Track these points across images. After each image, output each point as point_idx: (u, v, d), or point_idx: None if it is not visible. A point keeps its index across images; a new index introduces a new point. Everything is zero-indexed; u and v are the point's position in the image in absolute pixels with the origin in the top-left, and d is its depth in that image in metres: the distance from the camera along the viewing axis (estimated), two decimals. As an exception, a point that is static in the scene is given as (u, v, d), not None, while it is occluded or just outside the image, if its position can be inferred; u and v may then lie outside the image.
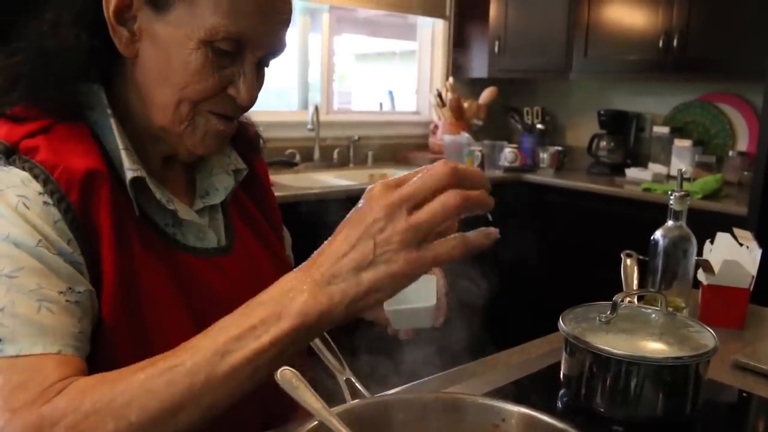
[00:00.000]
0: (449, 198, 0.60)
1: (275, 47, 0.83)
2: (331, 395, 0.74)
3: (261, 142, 1.08)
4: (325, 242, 0.64)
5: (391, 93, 4.45)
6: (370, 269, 0.60)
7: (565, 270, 3.41)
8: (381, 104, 4.37)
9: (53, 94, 0.79)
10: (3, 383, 0.64)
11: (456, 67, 4.25)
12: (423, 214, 0.60)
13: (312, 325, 0.61)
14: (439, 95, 4.01)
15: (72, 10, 0.80)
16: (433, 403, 0.72)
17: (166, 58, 0.79)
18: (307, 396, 0.67)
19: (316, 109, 3.48)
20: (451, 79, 4.16)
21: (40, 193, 0.72)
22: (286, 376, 0.69)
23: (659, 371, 0.86)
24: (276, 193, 2.87)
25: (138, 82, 0.82)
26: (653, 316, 0.98)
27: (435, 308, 0.76)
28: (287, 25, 0.84)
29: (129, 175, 0.79)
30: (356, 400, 0.72)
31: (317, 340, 0.81)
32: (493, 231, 0.65)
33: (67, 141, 0.77)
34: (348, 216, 0.63)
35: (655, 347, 0.90)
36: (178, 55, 0.78)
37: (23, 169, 0.73)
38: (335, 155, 3.64)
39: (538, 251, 3.52)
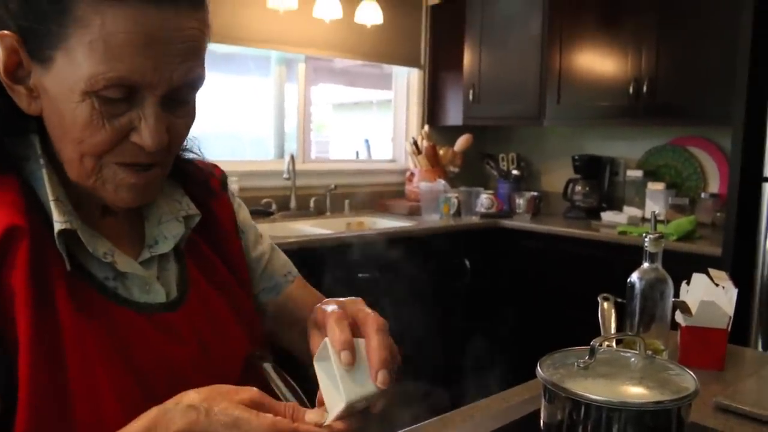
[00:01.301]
0: None
1: (178, 82, 0.75)
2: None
3: (225, 183, 1.05)
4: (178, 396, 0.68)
5: (367, 141, 4.48)
6: None
7: (543, 314, 3.41)
8: (357, 153, 4.39)
9: None
10: None
11: (431, 115, 4.30)
12: None
13: None
14: (415, 143, 4.04)
15: None
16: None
17: (59, 113, 0.74)
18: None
19: (292, 158, 3.49)
20: (426, 127, 4.20)
21: None
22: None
23: (640, 416, 0.84)
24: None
25: (52, 137, 0.78)
26: (632, 360, 0.96)
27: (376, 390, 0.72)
28: (192, 53, 0.75)
29: (57, 227, 0.75)
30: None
31: (283, 387, 0.78)
32: None
33: None
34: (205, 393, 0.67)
35: (635, 392, 0.88)
36: (67, 110, 0.73)
37: None
38: (312, 204, 3.63)
39: (515, 296, 3.52)
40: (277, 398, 0.76)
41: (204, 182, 0.98)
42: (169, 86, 0.74)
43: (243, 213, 1.07)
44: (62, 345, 0.72)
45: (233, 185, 3.28)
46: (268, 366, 0.80)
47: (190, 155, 0.97)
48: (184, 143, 0.88)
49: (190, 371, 0.82)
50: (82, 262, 0.79)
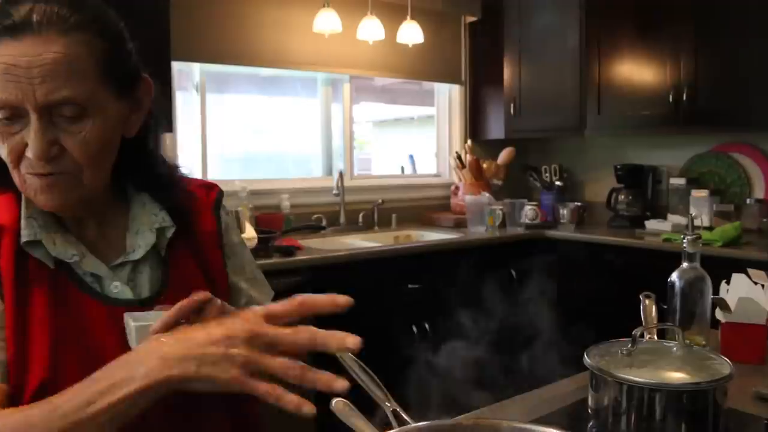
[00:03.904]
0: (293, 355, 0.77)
1: (44, 100, 0.84)
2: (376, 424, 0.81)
3: (219, 202, 1.13)
4: (196, 325, 0.81)
5: (411, 157, 4.59)
6: (208, 367, 0.76)
7: (587, 322, 3.44)
8: (402, 168, 4.50)
9: None
10: None
11: (474, 129, 4.40)
12: (268, 361, 0.76)
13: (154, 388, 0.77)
14: (459, 157, 4.14)
15: None
16: (472, 428, 0.79)
17: None
18: (359, 423, 0.75)
19: (341, 174, 3.62)
20: (469, 142, 4.30)
21: None
22: (339, 406, 0.77)
23: (678, 397, 0.92)
24: (305, 257, 2.95)
25: None
26: (673, 349, 1.05)
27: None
28: (54, 75, 0.84)
29: (22, 239, 0.92)
30: (401, 427, 0.79)
31: (360, 373, 0.88)
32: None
33: None
34: (222, 318, 0.81)
35: (674, 376, 0.97)
36: None
37: None
38: (360, 218, 3.76)
39: (560, 305, 3.56)
40: (354, 383, 0.87)
41: (184, 200, 1.07)
42: (35, 104, 0.84)
43: (233, 237, 1.14)
44: (27, 319, 0.90)
45: (284, 202, 3.43)
46: (343, 354, 0.90)
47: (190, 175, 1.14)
48: (186, 166, 1.04)
49: None
50: (70, 263, 0.96)
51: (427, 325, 3.15)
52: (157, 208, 1.04)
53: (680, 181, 3.64)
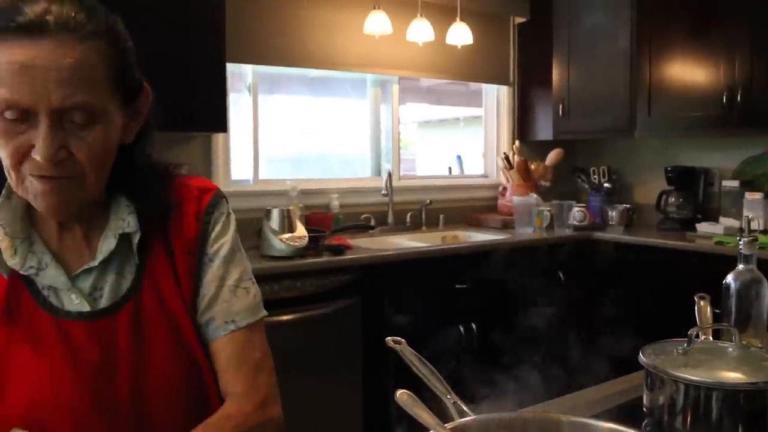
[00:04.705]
0: None
1: (58, 104, 0.85)
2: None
3: (212, 206, 1.09)
4: None
5: (459, 158, 4.61)
6: None
7: (637, 325, 3.41)
8: (450, 168, 4.52)
9: None
10: None
11: (521, 130, 4.40)
12: None
13: None
14: (507, 158, 4.15)
15: None
16: (532, 421, 0.82)
17: None
18: (423, 414, 0.78)
19: (389, 175, 3.66)
20: (517, 143, 4.30)
21: None
22: (404, 397, 0.81)
23: (735, 397, 0.93)
24: (354, 256, 3.01)
25: None
26: (729, 349, 1.05)
27: None
28: (71, 81, 0.85)
29: None
30: (463, 419, 0.83)
31: (421, 366, 0.92)
32: None
33: None
34: None
35: (730, 376, 0.97)
36: None
37: None
38: (408, 218, 3.79)
39: (609, 307, 3.54)
40: (413, 375, 0.91)
41: (158, 206, 1.04)
42: (49, 107, 0.85)
43: (221, 244, 1.08)
44: None
45: (334, 202, 3.49)
46: (404, 348, 0.94)
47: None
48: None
49: (98, 372, 0.95)
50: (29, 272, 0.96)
51: (474, 326, 3.17)
52: (127, 213, 1.02)
53: (733, 184, 3.58)
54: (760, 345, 1.32)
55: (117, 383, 0.95)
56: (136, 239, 1.00)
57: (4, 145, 0.87)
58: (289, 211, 2.84)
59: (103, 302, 0.98)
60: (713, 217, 3.65)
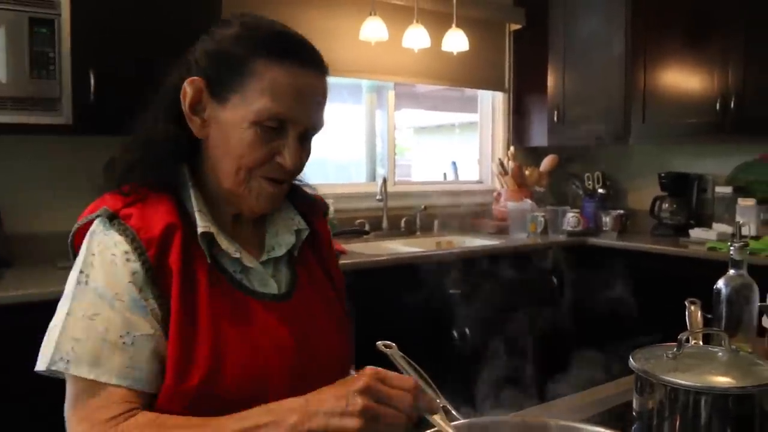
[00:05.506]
0: (403, 402, 0.84)
1: (312, 124, 1.05)
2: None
3: (326, 208, 1.28)
4: (326, 387, 0.89)
5: (454, 163, 4.61)
6: (336, 418, 0.84)
7: (629, 329, 3.42)
8: (445, 174, 4.53)
9: (157, 175, 1.04)
10: (84, 399, 0.92)
11: (516, 136, 4.41)
12: (382, 408, 0.83)
13: None
14: (501, 164, 4.16)
15: (162, 106, 1.06)
16: (521, 425, 0.82)
17: (227, 136, 1.02)
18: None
19: (384, 180, 3.67)
20: (512, 148, 4.31)
21: (126, 252, 0.97)
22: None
23: (724, 401, 0.94)
24: (348, 261, 3.02)
25: (210, 156, 1.06)
26: (718, 354, 1.06)
27: None
28: (322, 106, 1.06)
29: (200, 230, 1.01)
30: (453, 422, 0.83)
31: (410, 370, 0.92)
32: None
33: (154, 207, 1.01)
34: (345, 379, 0.89)
35: (720, 380, 0.98)
36: (235, 134, 1.01)
37: (118, 232, 0.98)
38: (403, 224, 3.79)
39: (602, 312, 3.55)
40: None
41: (311, 204, 1.23)
42: (306, 125, 1.04)
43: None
44: (197, 313, 0.98)
45: (330, 207, 3.49)
46: (395, 352, 0.94)
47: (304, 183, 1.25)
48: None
49: (291, 349, 1.05)
50: (219, 258, 1.05)
51: (467, 330, 3.17)
52: (293, 212, 1.18)
53: (726, 190, 3.60)
54: (749, 350, 1.33)
55: (304, 358, 1.06)
56: (304, 235, 1.16)
57: (257, 148, 1.01)
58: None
59: (284, 288, 1.11)
60: (706, 223, 3.66)
